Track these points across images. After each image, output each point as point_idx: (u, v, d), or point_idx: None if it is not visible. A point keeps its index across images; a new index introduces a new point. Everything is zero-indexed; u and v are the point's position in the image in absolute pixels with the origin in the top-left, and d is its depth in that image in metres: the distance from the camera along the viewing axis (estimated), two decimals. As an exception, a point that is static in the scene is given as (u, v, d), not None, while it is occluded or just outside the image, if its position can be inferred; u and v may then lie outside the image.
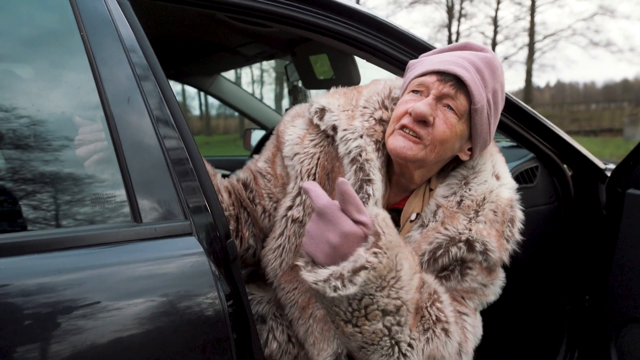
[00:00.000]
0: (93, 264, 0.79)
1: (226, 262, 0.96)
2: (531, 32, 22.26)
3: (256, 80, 23.62)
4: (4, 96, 0.90)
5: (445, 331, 1.05)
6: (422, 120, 1.05)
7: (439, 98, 1.07)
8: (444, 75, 1.06)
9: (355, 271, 0.89)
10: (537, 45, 22.69)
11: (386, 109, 1.19)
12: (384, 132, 1.16)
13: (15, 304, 0.71)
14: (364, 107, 1.18)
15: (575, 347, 1.82)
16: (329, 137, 1.18)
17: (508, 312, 2.07)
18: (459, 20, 23.94)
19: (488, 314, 1.30)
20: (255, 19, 1.31)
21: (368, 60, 1.53)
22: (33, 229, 0.83)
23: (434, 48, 1.37)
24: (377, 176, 1.12)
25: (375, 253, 0.90)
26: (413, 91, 1.10)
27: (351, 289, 0.90)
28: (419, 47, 1.44)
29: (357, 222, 0.92)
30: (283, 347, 1.22)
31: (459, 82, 1.05)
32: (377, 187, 1.11)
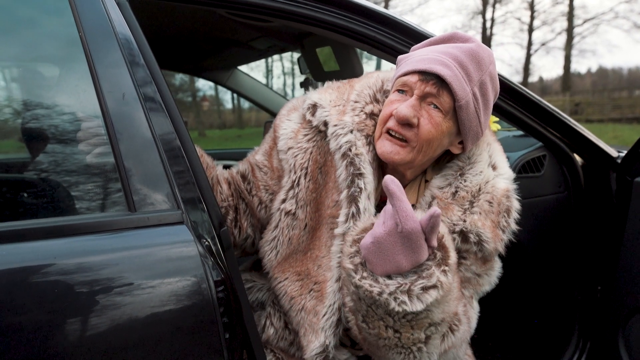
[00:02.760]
0: (88, 251, 0.85)
1: (219, 250, 1.00)
2: (570, 16, 21.49)
3: (287, 73, 23.75)
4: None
5: (460, 322, 1.07)
6: (407, 123, 1.06)
7: (422, 97, 1.07)
8: (425, 75, 1.06)
9: (426, 289, 0.88)
10: (577, 30, 21.93)
11: (377, 102, 1.21)
12: (375, 126, 1.17)
13: (14, 285, 0.77)
14: (355, 102, 1.20)
15: (587, 338, 1.79)
16: (321, 132, 1.20)
17: (518, 302, 2.05)
18: (493, 6, 23.35)
19: (496, 305, 1.28)
20: (254, 14, 1.34)
21: (369, 52, 1.54)
22: (34, 217, 0.89)
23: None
24: (367, 170, 1.13)
25: (445, 271, 0.89)
26: (398, 90, 1.11)
27: (418, 306, 0.88)
28: (419, 38, 1.43)
29: (430, 247, 0.92)
30: (280, 333, 1.26)
31: (440, 80, 1.05)
32: (369, 181, 1.13)
